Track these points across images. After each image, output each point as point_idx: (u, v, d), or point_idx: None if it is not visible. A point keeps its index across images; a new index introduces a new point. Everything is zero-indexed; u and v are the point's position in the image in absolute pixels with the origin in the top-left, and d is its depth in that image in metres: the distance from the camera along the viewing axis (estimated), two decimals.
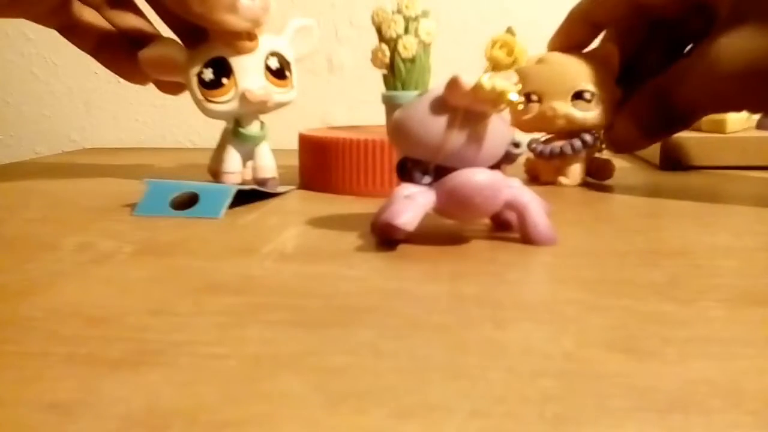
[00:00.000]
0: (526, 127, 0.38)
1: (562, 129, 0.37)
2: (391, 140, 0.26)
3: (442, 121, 0.23)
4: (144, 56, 0.33)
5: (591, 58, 0.37)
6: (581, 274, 0.21)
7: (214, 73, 0.33)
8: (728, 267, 0.22)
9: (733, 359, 0.14)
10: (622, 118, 0.36)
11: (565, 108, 0.36)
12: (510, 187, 0.24)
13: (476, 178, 0.23)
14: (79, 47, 0.36)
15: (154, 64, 0.34)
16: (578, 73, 0.36)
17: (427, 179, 0.24)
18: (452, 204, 0.24)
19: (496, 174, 0.24)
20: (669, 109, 0.33)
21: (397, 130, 0.24)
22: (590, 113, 0.36)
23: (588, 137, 0.36)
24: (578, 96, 0.36)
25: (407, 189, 0.24)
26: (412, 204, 0.23)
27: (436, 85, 0.24)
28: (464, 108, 0.23)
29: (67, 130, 0.70)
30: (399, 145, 0.25)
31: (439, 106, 0.23)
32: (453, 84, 0.23)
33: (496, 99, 0.22)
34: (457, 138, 0.23)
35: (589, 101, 0.36)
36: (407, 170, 0.24)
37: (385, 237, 0.24)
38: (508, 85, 0.22)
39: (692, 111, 0.33)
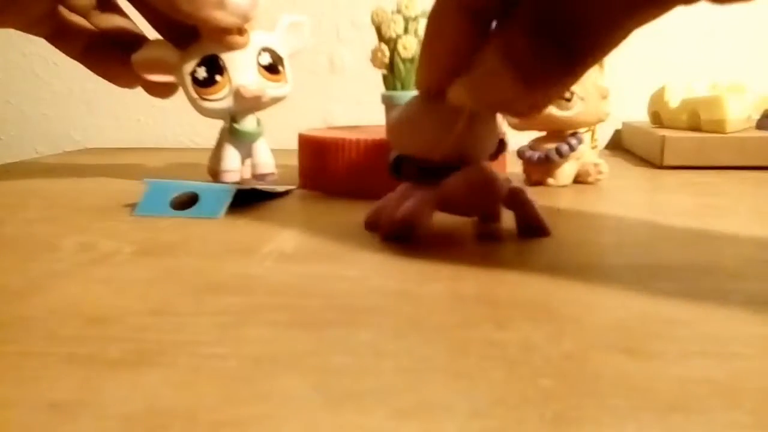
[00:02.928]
0: (514, 125, 0.38)
1: (546, 128, 0.38)
2: (392, 139, 0.25)
3: (444, 119, 0.23)
4: (136, 59, 0.33)
5: None
6: (581, 273, 0.21)
7: (207, 71, 0.33)
8: (728, 267, 0.22)
9: (733, 359, 0.14)
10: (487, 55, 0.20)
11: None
12: (507, 182, 0.25)
13: (484, 175, 0.24)
14: (66, 53, 0.36)
15: (147, 66, 0.34)
16: None
17: (428, 176, 0.24)
18: (458, 200, 0.24)
19: (497, 171, 0.25)
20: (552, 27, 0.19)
21: (399, 129, 0.24)
22: (570, 112, 0.36)
23: (574, 141, 0.37)
24: None
25: (412, 187, 0.24)
26: (425, 200, 0.23)
27: None
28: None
29: (69, 129, 0.70)
30: (401, 144, 0.25)
31: (441, 104, 0.23)
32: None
33: None
34: (459, 135, 0.23)
35: (568, 100, 0.36)
36: (409, 169, 0.25)
37: (397, 235, 0.24)
38: None
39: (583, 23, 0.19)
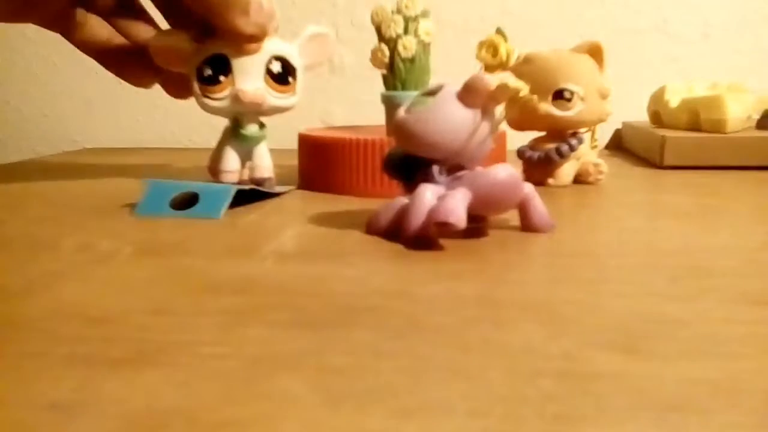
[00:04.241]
0: (515, 125, 0.39)
1: (546, 128, 0.38)
2: (406, 143, 0.25)
3: (465, 120, 0.24)
4: (153, 43, 0.33)
5: (577, 54, 0.37)
6: (581, 274, 0.21)
7: (213, 69, 0.33)
8: (728, 267, 0.22)
9: (733, 359, 0.14)
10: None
11: (546, 107, 0.37)
12: None
13: (513, 175, 0.24)
14: (84, 52, 0.36)
15: (163, 53, 0.34)
16: (560, 72, 0.37)
17: (443, 178, 0.25)
18: (488, 200, 0.24)
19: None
20: None
21: (416, 133, 0.25)
22: (570, 112, 0.36)
23: (574, 141, 0.37)
24: (558, 95, 0.36)
25: (432, 188, 0.24)
26: (458, 201, 0.23)
27: (447, 85, 0.24)
28: (482, 107, 0.24)
29: (68, 130, 0.70)
30: (418, 147, 0.25)
31: (460, 106, 0.24)
32: (477, 84, 0.23)
33: (515, 96, 0.23)
34: (477, 135, 0.24)
35: (568, 100, 0.36)
36: (425, 170, 0.25)
37: (427, 237, 0.24)
38: (522, 83, 0.23)
39: None
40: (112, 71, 0.37)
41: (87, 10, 0.35)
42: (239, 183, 0.36)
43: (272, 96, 0.34)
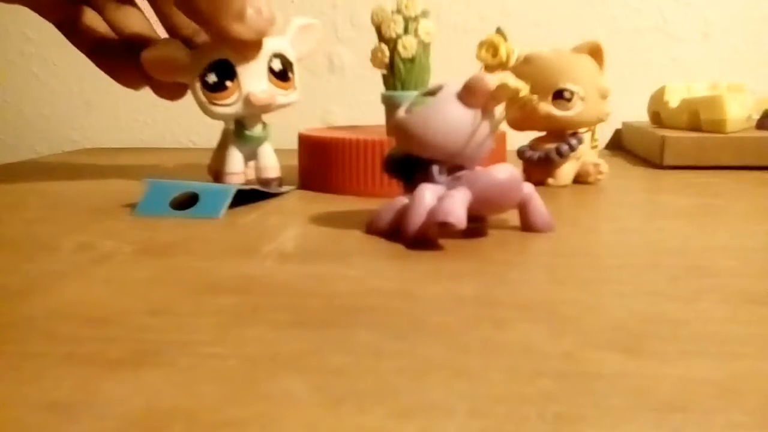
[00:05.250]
0: (515, 125, 0.39)
1: (546, 128, 0.38)
2: (406, 143, 0.25)
3: (465, 120, 0.24)
4: (146, 56, 0.33)
5: (577, 54, 0.37)
6: (581, 274, 0.21)
7: (218, 75, 0.33)
8: (727, 267, 0.22)
9: (733, 359, 0.14)
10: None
11: (546, 107, 0.37)
12: None
13: (514, 175, 0.24)
14: (76, 46, 0.36)
15: (156, 65, 0.33)
16: (560, 72, 0.37)
17: (443, 178, 0.25)
18: (489, 199, 0.24)
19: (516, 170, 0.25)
20: None
21: (416, 133, 0.25)
22: (570, 112, 0.36)
23: (574, 141, 0.37)
24: (558, 95, 0.36)
25: (432, 188, 0.24)
26: (458, 201, 0.23)
27: (447, 85, 0.24)
28: (482, 107, 0.24)
29: (68, 129, 0.70)
30: (418, 147, 0.25)
31: (460, 106, 0.24)
32: (477, 84, 0.23)
33: (515, 96, 0.23)
34: (477, 135, 0.24)
35: (568, 100, 0.36)
36: (425, 170, 0.25)
37: (427, 237, 0.24)
38: (522, 83, 0.23)
39: None
40: (102, 69, 0.36)
41: (82, 3, 0.35)
42: (245, 184, 0.36)
43: (278, 94, 0.34)
